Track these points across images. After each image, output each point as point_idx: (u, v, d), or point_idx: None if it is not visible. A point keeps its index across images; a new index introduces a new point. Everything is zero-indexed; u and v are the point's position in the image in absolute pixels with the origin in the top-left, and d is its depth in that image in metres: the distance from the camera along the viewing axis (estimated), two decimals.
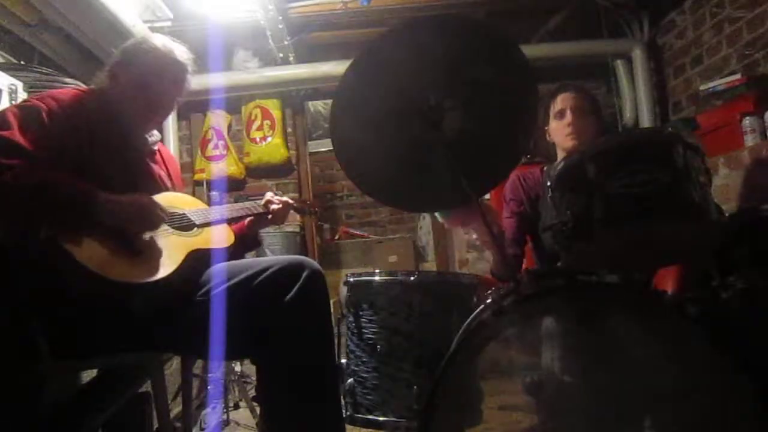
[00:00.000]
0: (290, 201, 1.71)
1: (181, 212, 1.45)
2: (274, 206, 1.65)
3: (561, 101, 1.89)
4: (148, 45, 1.48)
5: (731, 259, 1.36)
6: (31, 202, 1.18)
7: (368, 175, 1.35)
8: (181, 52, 1.51)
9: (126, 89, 1.44)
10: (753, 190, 2.16)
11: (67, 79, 2.40)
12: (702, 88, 2.93)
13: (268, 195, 1.69)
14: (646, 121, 3.58)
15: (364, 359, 1.39)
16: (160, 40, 1.49)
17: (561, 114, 1.88)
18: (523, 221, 1.96)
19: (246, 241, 1.66)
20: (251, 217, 1.65)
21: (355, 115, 1.29)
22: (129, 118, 1.45)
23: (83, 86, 1.63)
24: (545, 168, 2.00)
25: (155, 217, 1.31)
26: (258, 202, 1.67)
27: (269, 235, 3.34)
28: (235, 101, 3.70)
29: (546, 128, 1.96)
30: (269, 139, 3.67)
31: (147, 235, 1.30)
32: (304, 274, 1.32)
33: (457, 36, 1.26)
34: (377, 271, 1.46)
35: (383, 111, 1.29)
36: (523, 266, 2.04)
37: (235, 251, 1.55)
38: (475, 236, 1.76)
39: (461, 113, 1.29)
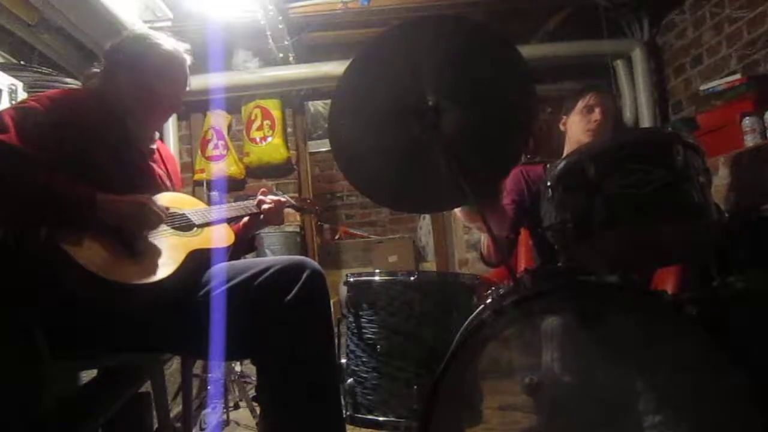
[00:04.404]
0: (283, 200, 1.69)
1: (180, 212, 1.45)
2: (265, 206, 1.62)
3: (594, 98, 1.91)
4: (145, 43, 1.47)
5: (731, 259, 1.36)
6: (30, 204, 1.17)
7: (366, 175, 1.35)
8: (180, 50, 1.50)
9: (123, 89, 1.44)
10: (753, 190, 2.17)
11: (67, 79, 2.41)
12: (702, 88, 2.93)
13: (260, 194, 1.66)
14: (646, 121, 3.58)
15: (364, 359, 1.39)
16: (157, 38, 1.48)
17: (590, 109, 1.90)
18: (521, 211, 1.97)
19: (241, 245, 1.64)
20: (246, 221, 1.63)
21: (353, 115, 1.29)
22: (127, 118, 1.45)
23: (82, 86, 1.63)
24: (546, 167, 2.01)
25: (154, 216, 1.31)
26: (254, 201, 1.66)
27: (269, 235, 3.34)
28: (235, 101, 3.70)
29: (563, 118, 1.97)
30: (269, 139, 3.67)
31: (147, 236, 1.30)
32: (305, 275, 1.32)
33: (456, 36, 1.26)
34: (377, 271, 1.46)
35: (382, 111, 1.29)
36: (522, 265, 2.05)
37: (232, 253, 1.54)
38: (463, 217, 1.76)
39: (460, 113, 1.29)
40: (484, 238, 1.88)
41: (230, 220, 1.58)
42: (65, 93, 1.39)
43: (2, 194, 1.16)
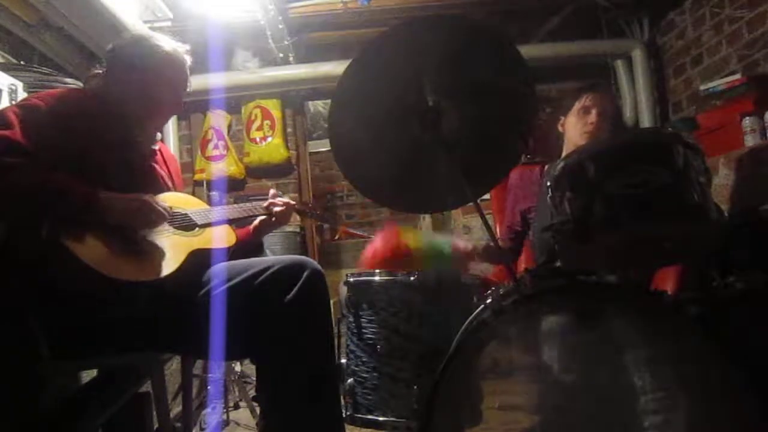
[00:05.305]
0: (293, 202, 1.70)
1: (182, 212, 1.45)
2: (277, 209, 1.64)
3: (590, 99, 1.90)
4: (146, 44, 1.47)
5: (731, 259, 1.36)
6: (33, 201, 1.18)
7: (366, 175, 1.35)
8: (180, 51, 1.51)
9: (129, 92, 1.44)
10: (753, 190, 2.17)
11: (67, 79, 2.41)
12: (702, 88, 2.93)
13: (271, 197, 1.67)
14: (646, 121, 3.58)
15: (364, 359, 1.39)
16: (158, 40, 1.49)
17: (586, 111, 1.89)
18: (525, 218, 1.98)
19: (248, 247, 1.65)
20: (256, 224, 1.65)
21: (353, 115, 1.29)
22: (130, 119, 1.45)
23: (85, 87, 1.63)
24: (546, 167, 2.01)
25: (156, 215, 1.31)
26: (261, 203, 1.66)
27: (269, 235, 3.33)
28: (235, 101, 3.70)
29: (562, 119, 1.97)
30: (269, 139, 3.67)
31: (148, 235, 1.30)
32: (305, 274, 1.32)
33: (456, 36, 1.26)
34: (377, 271, 1.45)
35: (382, 111, 1.29)
36: (522, 265, 2.05)
37: (236, 256, 1.54)
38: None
39: (459, 113, 1.29)
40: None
41: (232, 221, 1.58)
42: (69, 92, 1.39)
43: (5, 191, 1.16)
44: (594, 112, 1.87)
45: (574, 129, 1.91)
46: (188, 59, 1.53)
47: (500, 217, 2.23)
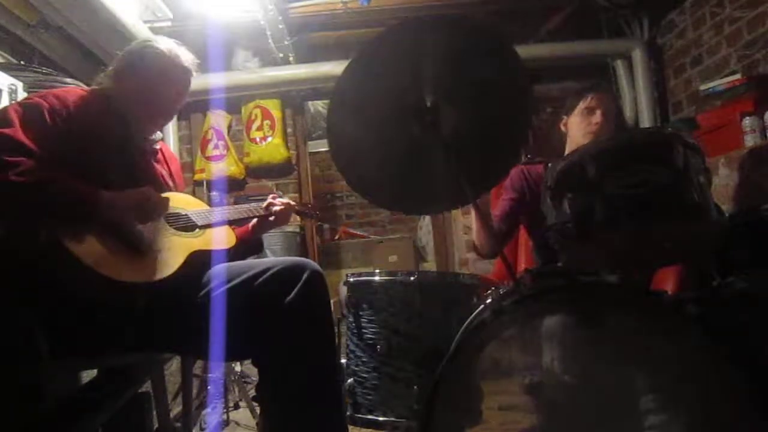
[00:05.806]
0: (292, 203, 1.72)
1: (184, 213, 1.45)
2: (276, 208, 1.65)
3: (595, 100, 1.89)
4: (155, 49, 1.47)
5: (731, 259, 1.36)
6: (34, 200, 1.18)
7: (365, 176, 1.35)
8: (187, 57, 1.51)
9: (130, 92, 1.44)
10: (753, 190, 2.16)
11: (67, 79, 2.41)
12: (702, 88, 2.93)
13: (270, 198, 1.69)
14: (646, 121, 3.58)
15: (364, 359, 1.39)
16: (166, 45, 1.49)
17: (591, 111, 1.88)
18: (518, 207, 1.95)
19: (248, 246, 1.67)
20: (255, 222, 1.66)
21: (352, 115, 1.29)
22: (132, 120, 1.45)
23: (84, 86, 1.63)
24: (548, 166, 2.01)
25: (154, 205, 1.31)
26: (260, 204, 1.67)
27: (269, 235, 3.33)
28: (235, 101, 3.70)
29: (564, 118, 1.96)
30: (269, 139, 3.67)
31: (149, 235, 1.30)
32: (305, 275, 1.32)
33: (455, 36, 1.26)
34: (377, 271, 1.46)
35: (380, 111, 1.29)
36: (522, 265, 2.05)
37: (236, 255, 1.55)
38: None
39: (458, 113, 1.29)
40: (475, 227, 1.88)
41: (233, 222, 1.59)
42: (70, 92, 1.39)
43: (8, 189, 1.16)
44: (598, 112, 1.87)
45: (578, 129, 1.91)
46: (192, 70, 1.52)
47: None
